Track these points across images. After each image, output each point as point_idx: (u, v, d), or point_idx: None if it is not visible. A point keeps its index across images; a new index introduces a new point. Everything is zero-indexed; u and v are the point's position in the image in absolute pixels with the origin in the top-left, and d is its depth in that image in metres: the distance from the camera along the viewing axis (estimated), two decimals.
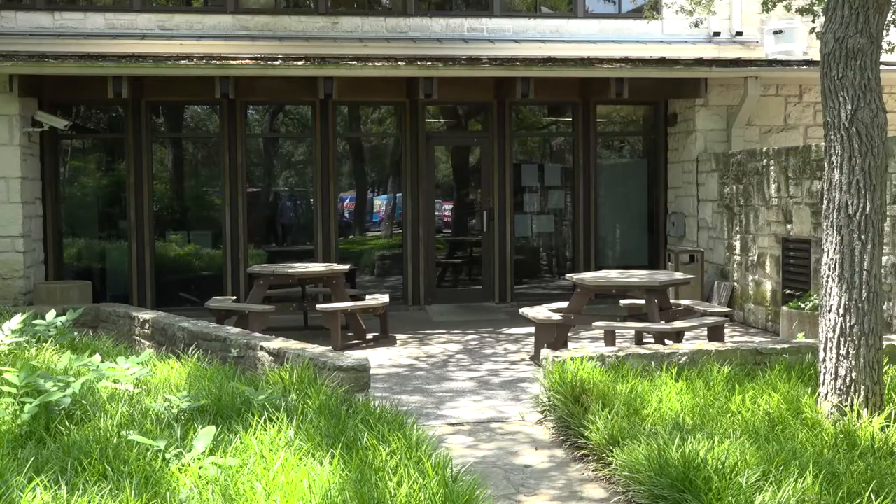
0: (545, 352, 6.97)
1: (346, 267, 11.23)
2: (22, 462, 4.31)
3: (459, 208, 13.75)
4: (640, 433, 5.17)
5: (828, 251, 5.70)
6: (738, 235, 11.30)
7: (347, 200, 13.80)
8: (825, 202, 5.75)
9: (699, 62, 12.14)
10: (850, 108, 5.58)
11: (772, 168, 10.48)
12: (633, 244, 13.61)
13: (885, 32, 6.01)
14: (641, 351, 6.96)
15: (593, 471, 5.40)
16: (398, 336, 10.50)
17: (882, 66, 5.97)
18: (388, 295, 10.90)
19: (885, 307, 8.09)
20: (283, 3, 13.31)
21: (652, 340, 8.63)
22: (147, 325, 8.97)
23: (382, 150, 14.01)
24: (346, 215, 13.80)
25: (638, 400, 5.83)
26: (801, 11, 10.07)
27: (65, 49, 11.60)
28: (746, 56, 12.72)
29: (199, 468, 4.26)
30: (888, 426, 5.35)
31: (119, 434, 4.68)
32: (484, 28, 12.87)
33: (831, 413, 5.57)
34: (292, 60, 11.36)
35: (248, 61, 11.26)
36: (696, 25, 10.90)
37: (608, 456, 5.20)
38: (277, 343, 7.20)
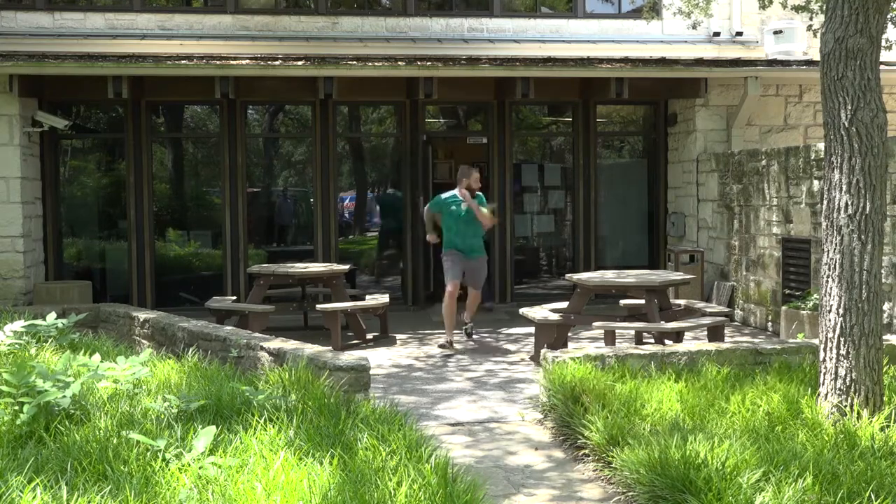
0: (545, 352, 6.97)
1: (346, 267, 11.23)
2: (22, 462, 4.31)
3: None
4: (641, 433, 5.16)
5: (828, 251, 5.70)
6: (738, 235, 11.30)
7: (347, 200, 13.81)
8: (825, 202, 5.75)
9: (699, 62, 12.14)
10: (849, 108, 5.58)
11: (772, 168, 10.48)
12: (633, 244, 13.61)
13: (885, 28, 6.00)
14: (641, 351, 6.96)
15: (593, 471, 5.40)
16: (398, 336, 10.50)
17: (882, 66, 5.98)
18: (387, 295, 10.91)
19: (885, 307, 8.09)
20: (283, 3, 13.31)
21: (652, 340, 8.63)
22: (147, 325, 8.97)
23: (382, 150, 14.01)
24: (346, 215, 13.80)
25: (638, 400, 5.82)
26: (797, 9, 10.08)
27: (65, 49, 11.61)
28: (746, 56, 12.73)
29: (199, 468, 4.25)
30: (888, 426, 5.35)
31: (119, 434, 4.67)
32: (484, 28, 12.88)
33: (831, 413, 5.57)
34: (292, 60, 11.37)
35: (248, 61, 11.26)
36: (694, 27, 10.90)
37: (608, 456, 5.20)
38: (277, 343, 7.20)
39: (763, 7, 10.33)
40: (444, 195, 9.96)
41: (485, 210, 9.86)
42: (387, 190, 13.67)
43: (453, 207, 9.85)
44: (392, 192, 13.54)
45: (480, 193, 10.11)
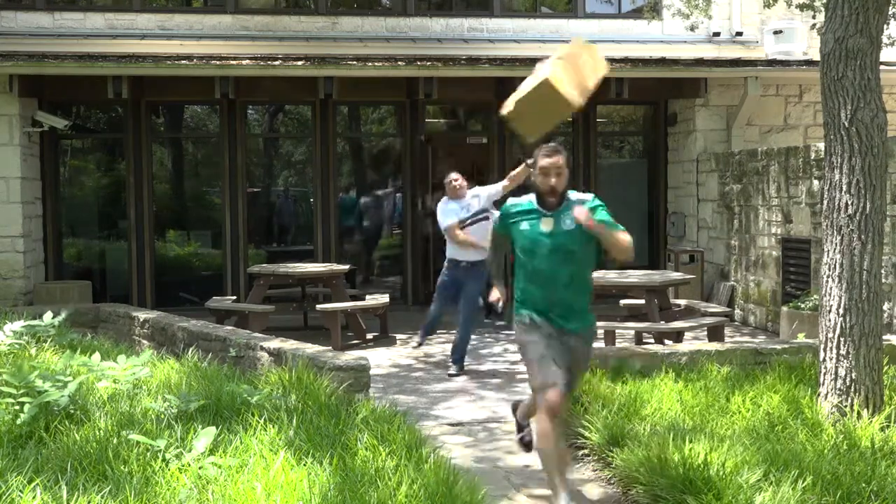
0: None
1: (346, 267, 11.22)
2: (22, 462, 4.30)
3: None
4: (640, 433, 5.16)
5: (828, 251, 5.70)
6: (738, 235, 11.30)
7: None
8: (825, 202, 5.75)
9: (699, 62, 12.14)
10: (849, 108, 5.58)
11: (772, 168, 10.48)
12: (634, 244, 13.57)
13: (885, 27, 6.00)
14: (641, 351, 6.96)
15: (593, 471, 5.39)
16: (398, 336, 10.49)
17: (882, 66, 5.97)
18: (387, 295, 10.90)
19: (885, 307, 8.09)
20: (283, 3, 13.31)
21: (652, 340, 8.63)
22: (147, 325, 8.97)
23: (382, 150, 14.01)
24: None
25: (637, 400, 5.82)
26: (801, 7, 10.08)
27: (65, 49, 11.60)
28: (746, 56, 12.72)
29: (199, 468, 4.25)
30: (888, 426, 5.35)
31: (119, 434, 4.67)
32: (484, 28, 12.87)
33: (831, 413, 5.57)
34: (292, 60, 11.37)
35: (248, 61, 11.26)
36: (693, 29, 10.90)
37: (608, 456, 5.20)
38: (277, 343, 7.20)
39: (767, 6, 10.33)
40: (514, 202, 5.07)
41: (611, 227, 5.00)
42: (348, 192, 13.55)
43: (525, 225, 4.90)
44: (350, 195, 13.47)
45: (583, 196, 5.05)
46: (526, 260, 4.88)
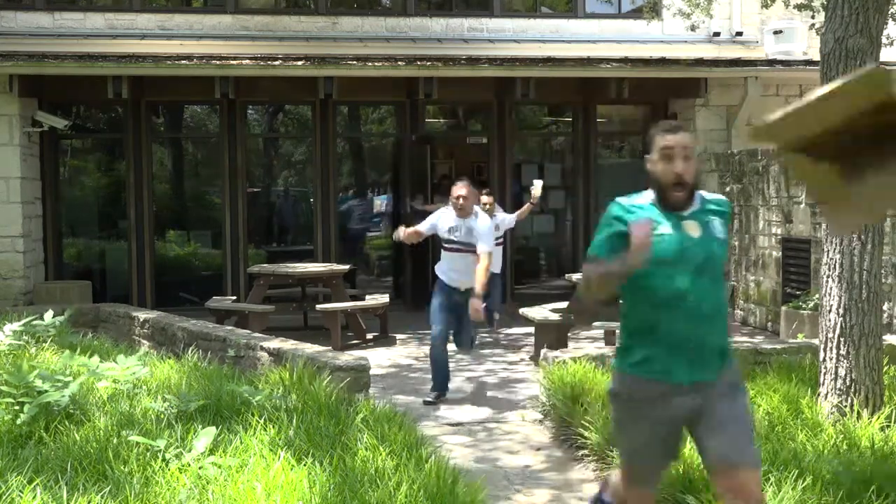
0: (545, 352, 6.97)
1: (346, 267, 11.22)
2: (22, 462, 4.31)
3: None
4: None
5: (828, 251, 5.70)
6: (738, 235, 11.30)
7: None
8: None
9: (699, 62, 12.13)
10: None
11: (772, 168, 10.48)
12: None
13: (885, 27, 6.00)
14: None
15: (593, 471, 5.39)
16: (398, 336, 10.50)
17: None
18: (387, 295, 10.90)
19: (885, 307, 8.09)
20: (283, 3, 13.31)
21: None
22: (147, 325, 8.97)
23: (382, 150, 14.00)
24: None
25: None
26: (799, 7, 10.09)
27: (65, 49, 11.59)
28: (746, 56, 12.72)
29: (199, 468, 4.25)
30: (888, 426, 5.35)
31: (119, 434, 4.67)
32: (484, 28, 12.87)
33: (831, 413, 5.57)
34: (292, 60, 11.36)
35: (248, 61, 11.25)
36: (694, 28, 10.90)
37: (608, 456, 5.20)
38: (277, 343, 7.20)
39: (766, 6, 10.33)
40: (628, 202, 3.81)
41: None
42: (348, 192, 13.55)
43: (664, 230, 3.44)
44: (350, 194, 13.46)
45: (717, 196, 3.68)
46: (658, 281, 3.35)
